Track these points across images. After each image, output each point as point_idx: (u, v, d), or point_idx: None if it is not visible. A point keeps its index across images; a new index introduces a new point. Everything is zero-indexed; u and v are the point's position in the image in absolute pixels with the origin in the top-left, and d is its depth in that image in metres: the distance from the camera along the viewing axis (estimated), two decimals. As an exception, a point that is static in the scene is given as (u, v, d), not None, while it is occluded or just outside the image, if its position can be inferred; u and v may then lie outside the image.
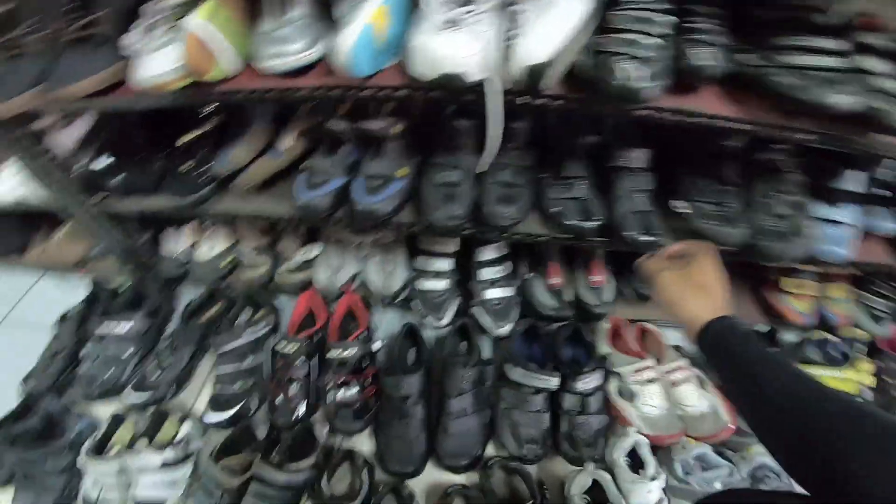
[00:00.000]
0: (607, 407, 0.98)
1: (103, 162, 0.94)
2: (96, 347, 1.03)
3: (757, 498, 0.59)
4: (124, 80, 0.75)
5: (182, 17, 0.65)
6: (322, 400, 0.97)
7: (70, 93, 0.72)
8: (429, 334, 1.09)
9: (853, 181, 0.86)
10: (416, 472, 0.90)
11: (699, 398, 0.94)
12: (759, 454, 0.90)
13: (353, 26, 0.61)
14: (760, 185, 0.85)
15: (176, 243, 1.15)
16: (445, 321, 1.04)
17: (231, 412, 0.93)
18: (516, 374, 0.93)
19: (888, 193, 0.90)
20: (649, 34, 0.61)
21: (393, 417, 0.93)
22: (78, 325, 1.09)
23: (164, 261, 1.15)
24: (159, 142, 0.98)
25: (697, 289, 0.59)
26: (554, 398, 0.96)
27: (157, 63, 0.67)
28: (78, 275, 1.25)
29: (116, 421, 0.94)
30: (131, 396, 0.96)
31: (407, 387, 0.91)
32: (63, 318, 1.11)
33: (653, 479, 0.85)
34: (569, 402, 0.94)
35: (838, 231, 0.85)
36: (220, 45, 0.65)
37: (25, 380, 1.02)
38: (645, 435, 0.91)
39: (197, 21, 0.63)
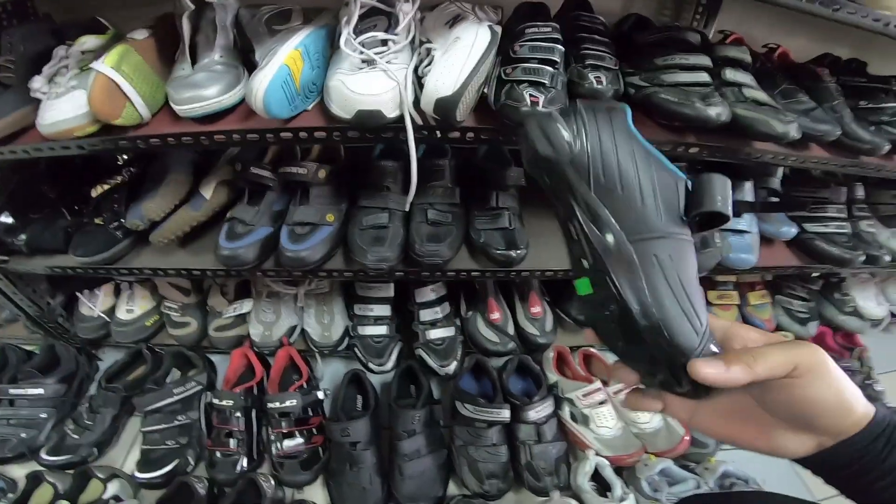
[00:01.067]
0: (564, 434, 0.99)
1: (5, 219, 0.88)
2: (7, 411, 0.96)
3: (725, 500, 0.57)
4: (33, 126, 0.71)
5: (91, 62, 0.64)
6: (267, 453, 0.94)
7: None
8: (375, 380, 1.06)
9: (749, 191, 0.95)
10: (374, 520, 0.86)
11: (651, 414, 0.96)
12: (722, 463, 0.91)
13: (268, 69, 0.62)
14: (668, 202, 0.91)
15: (93, 304, 1.08)
16: (389, 365, 1.03)
17: (165, 469, 0.89)
18: (466, 410, 0.93)
19: (777, 199, 1.00)
20: (552, 61, 0.66)
21: (343, 465, 0.89)
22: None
23: (81, 323, 1.08)
24: (70, 196, 0.94)
25: (795, 422, 0.36)
26: (510, 431, 0.96)
27: (62, 108, 0.65)
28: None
29: (34, 482, 0.85)
30: (47, 458, 0.90)
31: (354, 432, 0.89)
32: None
33: (621, 500, 0.85)
34: (523, 432, 0.94)
35: (743, 239, 0.93)
36: (129, 89, 0.64)
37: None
38: (605, 457, 0.92)
39: (104, 65, 0.62)
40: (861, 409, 0.34)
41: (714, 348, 0.35)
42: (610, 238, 0.36)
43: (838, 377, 0.34)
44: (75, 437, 0.94)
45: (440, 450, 0.93)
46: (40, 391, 0.97)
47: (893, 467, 0.34)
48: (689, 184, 0.38)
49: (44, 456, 0.90)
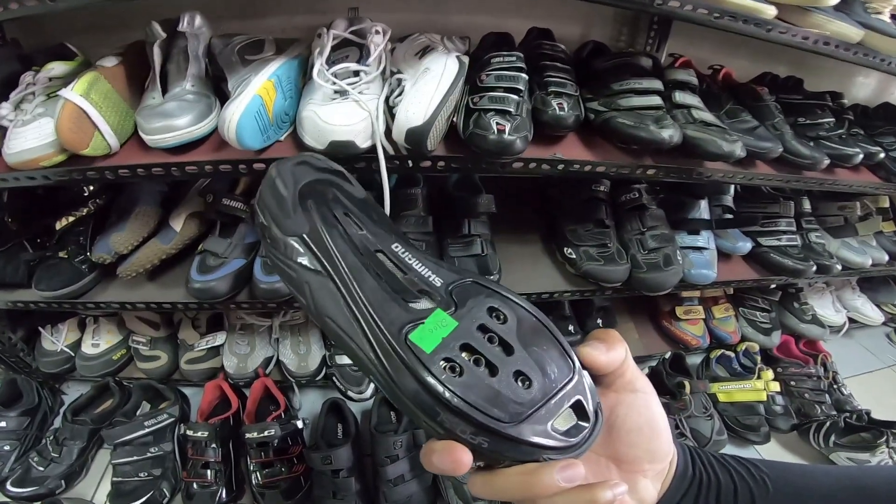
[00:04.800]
0: None
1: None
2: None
3: None
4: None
5: (58, 90, 0.63)
6: (247, 483, 0.93)
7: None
8: (355, 408, 1.05)
9: (704, 209, 1.00)
10: (359, 548, 0.84)
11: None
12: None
13: (241, 99, 0.63)
14: (629, 223, 0.95)
15: (56, 339, 1.05)
16: (368, 393, 1.03)
17: (138, 502, 0.87)
18: None
19: (731, 216, 1.06)
20: (517, 90, 0.69)
21: (327, 493, 0.88)
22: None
23: (43, 357, 1.05)
24: (32, 228, 0.91)
25: None
26: None
27: (28, 137, 0.63)
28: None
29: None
30: (13, 490, 0.89)
31: (336, 460, 0.87)
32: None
33: None
34: None
35: (703, 256, 0.97)
36: (98, 118, 0.63)
37: None
38: None
39: (73, 93, 0.61)
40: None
41: None
42: None
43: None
44: (40, 469, 0.91)
45: (425, 474, 0.92)
46: (2, 424, 0.95)
47: None
48: None
49: (10, 488, 0.88)
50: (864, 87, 1.32)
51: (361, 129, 0.64)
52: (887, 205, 1.27)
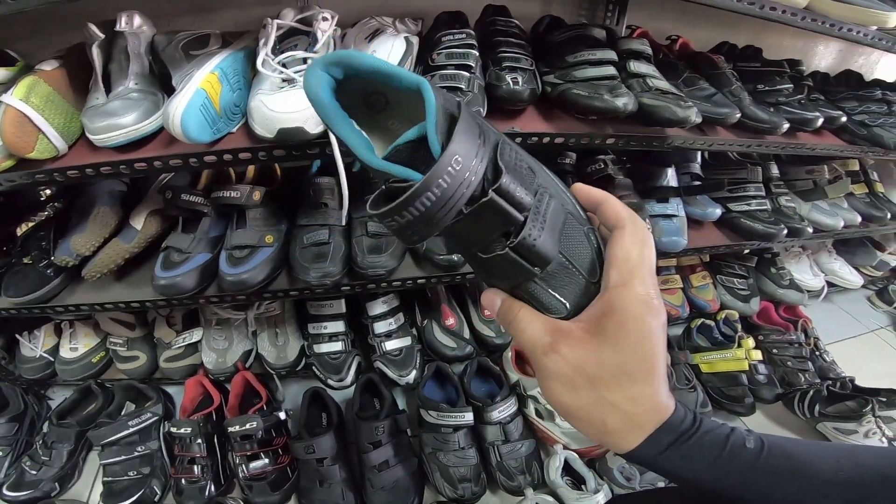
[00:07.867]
0: (532, 431, 1.00)
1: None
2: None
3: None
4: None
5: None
6: (235, 477, 0.94)
7: None
8: (338, 396, 1.06)
9: (672, 177, 1.00)
10: (349, 535, 0.85)
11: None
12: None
13: (183, 94, 0.62)
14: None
15: (34, 345, 1.05)
16: (348, 380, 1.03)
17: (130, 500, 0.89)
18: (430, 416, 0.94)
19: (698, 182, 1.06)
20: (468, 66, 0.69)
21: (313, 483, 0.90)
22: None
23: (24, 364, 1.05)
24: None
25: (617, 376, 0.31)
26: (477, 433, 0.97)
27: None
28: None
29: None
30: (9, 494, 0.90)
31: (319, 448, 0.88)
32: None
33: (596, 491, 0.86)
34: (490, 433, 0.96)
35: (673, 223, 0.98)
36: (41, 121, 0.62)
37: None
38: (573, 450, 0.93)
39: (12, 98, 0.61)
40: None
41: None
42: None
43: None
44: (33, 472, 0.92)
45: (410, 459, 0.93)
46: (-10, 430, 0.95)
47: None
48: None
49: (6, 492, 0.89)
50: (826, 57, 1.34)
51: (311, 114, 0.64)
52: (857, 167, 1.27)
